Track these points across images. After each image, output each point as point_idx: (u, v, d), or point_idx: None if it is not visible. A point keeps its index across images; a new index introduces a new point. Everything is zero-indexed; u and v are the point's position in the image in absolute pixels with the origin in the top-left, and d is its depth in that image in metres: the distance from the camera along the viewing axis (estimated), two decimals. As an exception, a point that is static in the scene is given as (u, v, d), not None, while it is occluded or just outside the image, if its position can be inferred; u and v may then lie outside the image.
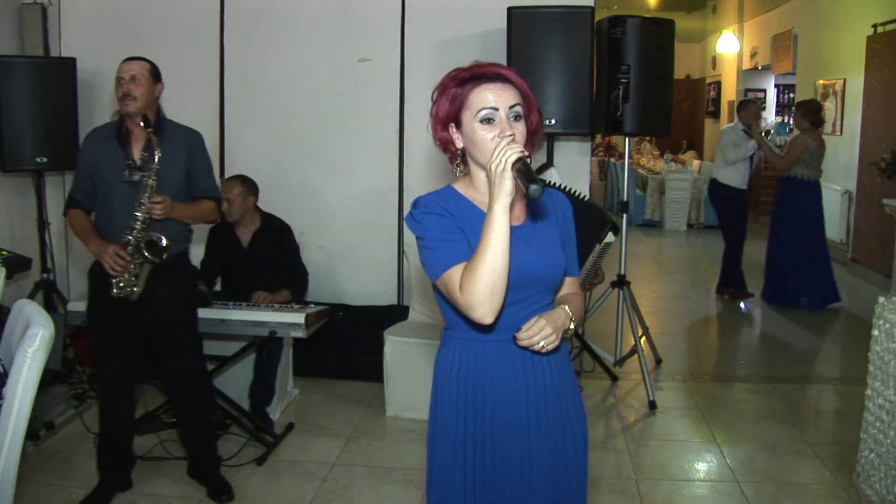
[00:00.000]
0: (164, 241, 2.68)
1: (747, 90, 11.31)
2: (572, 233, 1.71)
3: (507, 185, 1.43)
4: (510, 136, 1.50)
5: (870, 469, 2.80)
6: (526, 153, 1.46)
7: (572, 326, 1.59)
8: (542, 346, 1.52)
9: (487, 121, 1.53)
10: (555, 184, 3.17)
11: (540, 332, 1.51)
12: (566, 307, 1.60)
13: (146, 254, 2.67)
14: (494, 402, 1.62)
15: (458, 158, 1.62)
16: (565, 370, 1.70)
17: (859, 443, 2.89)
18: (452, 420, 1.66)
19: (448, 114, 1.58)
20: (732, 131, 5.96)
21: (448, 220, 1.56)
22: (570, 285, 1.72)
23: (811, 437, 3.52)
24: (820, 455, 3.30)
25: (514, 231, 1.52)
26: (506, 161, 1.43)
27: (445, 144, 1.62)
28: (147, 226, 2.68)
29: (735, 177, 5.89)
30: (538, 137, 1.63)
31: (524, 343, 1.53)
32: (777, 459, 3.28)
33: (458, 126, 1.58)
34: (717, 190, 6.06)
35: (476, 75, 1.56)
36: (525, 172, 1.42)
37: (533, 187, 1.39)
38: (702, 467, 3.26)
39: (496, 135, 1.51)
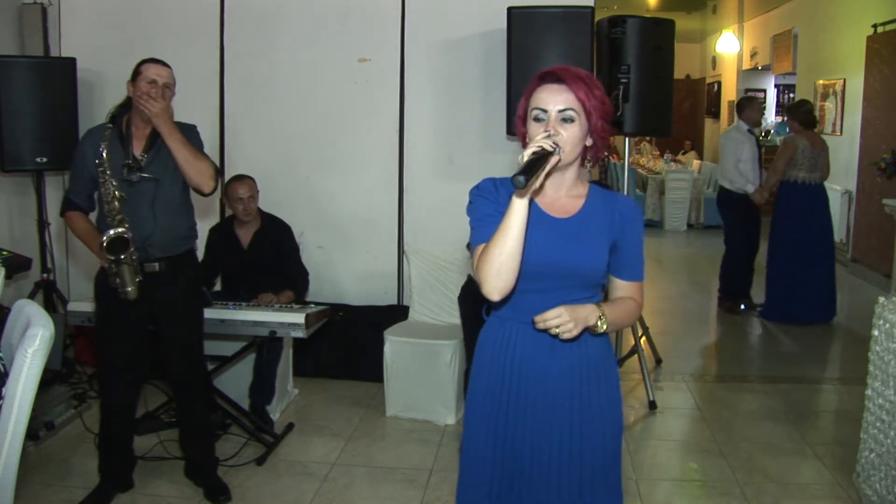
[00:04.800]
0: (129, 236, 2.63)
1: (747, 90, 11.31)
2: (633, 238, 1.75)
3: None
4: (547, 134, 1.58)
5: (870, 469, 2.80)
6: (549, 149, 1.55)
7: (600, 324, 1.65)
8: (557, 333, 1.59)
9: (539, 119, 1.64)
10: None
11: (555, 319, 1.58)
12: (600, 305, 1.66)
13: (108, 255, 2.63)
14: (521, 378, 1.72)
15: None
16: (598, 359, 1.75)
17: (859, 443, 2.89)
18: (484, 389, 1.77)
19: (524, 110, 1.70)
20: (737, 132, 5.65)
21: (492, 204, 1.68)
22: (625, 289, 1.77)
23: (811, 437, 3.52)
24: (820, 455, 3.30)
25: (559, 223, 1.68)
26: (523, 154, 1.54)
27: (523, 139, 1.71)
28: (118, 222, 2.64)
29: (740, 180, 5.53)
30: (603, 141, 1.69)
31: (539, 326, 1.61)
32: (777, 459, 3.28)
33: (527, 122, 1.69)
34: (724, 196, 5.71)
35: (542, 76, 1.67)
36: (528, 164, 1.51)
37: (516, 178, 1.47)
38: (702, 467, 3.26)
39: (540, 132, 1.61)
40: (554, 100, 1.62)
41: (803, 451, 3.35)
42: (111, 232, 2.64)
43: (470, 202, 1.72)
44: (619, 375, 1.86)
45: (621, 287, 1.76)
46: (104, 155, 2.67)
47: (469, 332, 3.41)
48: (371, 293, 4.40)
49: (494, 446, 1.74)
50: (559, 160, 1.59)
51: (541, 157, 1.52)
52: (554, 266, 1.65)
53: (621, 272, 1.75)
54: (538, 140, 1.55)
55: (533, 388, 1.71)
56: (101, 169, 2.67)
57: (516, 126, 1.73)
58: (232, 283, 3.82)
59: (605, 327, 1.65)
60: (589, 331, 1.65)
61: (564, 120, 1.62)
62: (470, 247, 1.70)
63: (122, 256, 2.64)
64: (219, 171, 2.99)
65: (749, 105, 5.73)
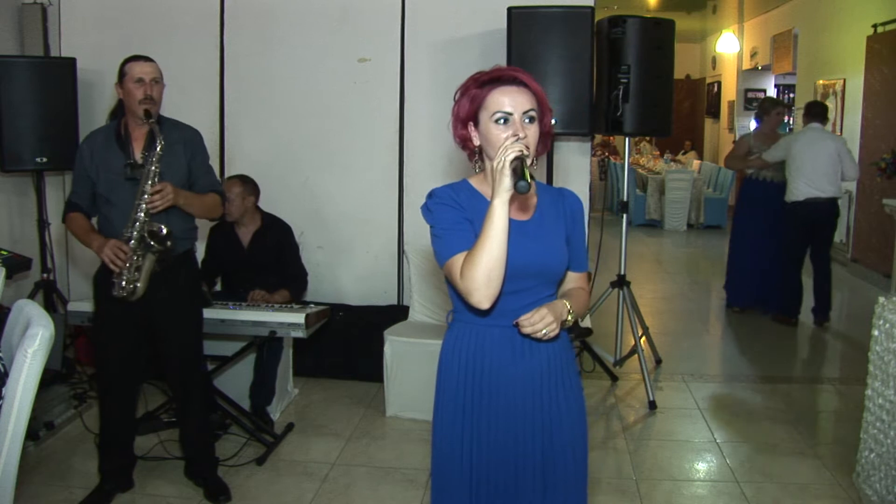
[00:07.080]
0: (165, 230, 2.65)
1: (747, 90, 11.32)
2: (580, 231, 1.80)
3: (505, 181, 1.54)
4: (517, 137, 1.59)
5: (870, 469, 2.80)
6: (525, 153, 1.56)
7: (570, 318, 1.69)
8: (545, 334, 1.61)
9: (502, 122, 1.63)
10: None
11: (542, 321, 1.60)
12: (566, 300, 1.69)
13: (150, 241, 2.64)
14: (493, 383, 1.72)
15: (476, 155, 1.73)
16: (564, 357, 1.79)
17: (859, 443, 2.89)
18: (454, 397, 1.76)
19: (468, 113, 1.68)
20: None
21: (457, 211, 1.66)
22: (575, 280, 1.82)
23: (811, 437, 3.52)
24: (820, 455, 3.30)
25: (521, 225, 1.68)
26: (505, 159, 1.53)
27: (464, 142, 1.72)
28: (150, 217, 2.66)
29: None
30: (549, 138, 1.73)
31: (527, 330, 1.61)
32: (777, 459, 3.29)
33: (476, 125, 1.68)
34: (833, 208, 5.25)
35: (495, 78, 1.66)
36: (518, 170, 1.52)
37: (521, 184, 1.50)
38: (702, 467, 3.26)
39: (509, 135, 1.60)
40: (516, 101, 1.63)
41: (803, 451, 3.36)
42: (153, 225, 2.65)
43: (429, 211, 1.69)
44: (579, 370, 1.87)
45: (573, 278, 1.81)
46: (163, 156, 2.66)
47: None
48: (371, 293, 4.40)
49: (472, 450, 1.73)
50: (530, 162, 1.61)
51: (522, 161, 1.54)
52: (525, 268, 1.66)
53: (572, 264, 1.78)
54: (513, 146, 1.55)
55: (508, 390, 1.71)
56: (154, 170, 2.65)
57: (453, 128, 1.72)
58: (232, 283, 3.82)
59: (573, 319, 1.69)
60: (561, 325, 1.67)
61: (528, 120, 1.63)
62: (437, 257, 1.67)
63: (159, 247, 2.64)
64: (222, 190, 3.04)
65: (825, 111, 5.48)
